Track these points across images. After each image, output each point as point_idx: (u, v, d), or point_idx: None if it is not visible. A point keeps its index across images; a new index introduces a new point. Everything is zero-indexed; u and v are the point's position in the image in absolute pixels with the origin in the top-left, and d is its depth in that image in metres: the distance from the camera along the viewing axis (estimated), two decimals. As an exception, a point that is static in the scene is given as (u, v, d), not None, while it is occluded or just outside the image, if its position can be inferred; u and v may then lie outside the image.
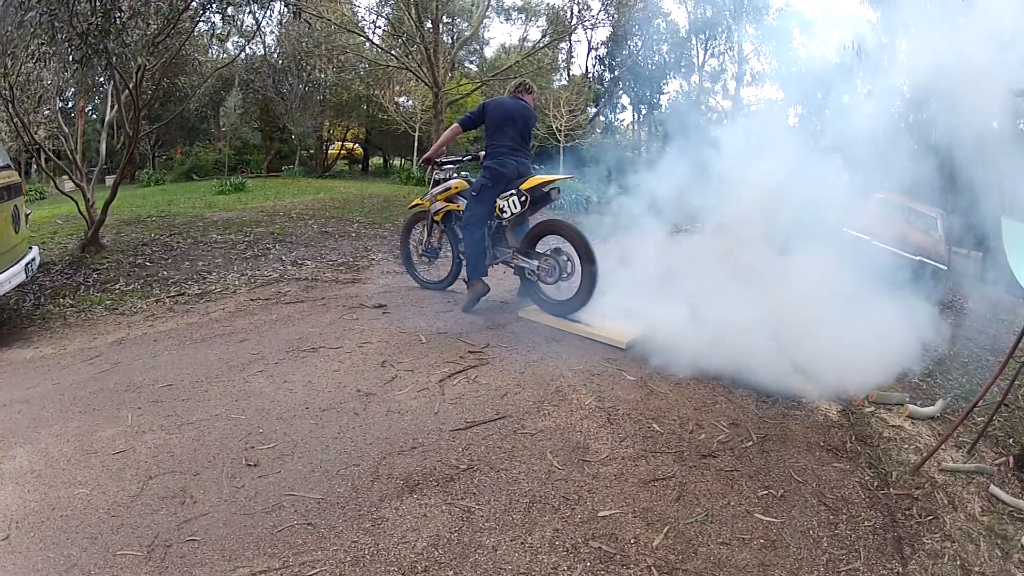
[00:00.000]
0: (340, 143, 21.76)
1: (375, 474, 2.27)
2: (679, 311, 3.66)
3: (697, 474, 2.40)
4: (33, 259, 4.52)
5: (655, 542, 2.00)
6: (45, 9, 4.76)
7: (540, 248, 4.07)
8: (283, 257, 6.02)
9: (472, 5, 16.82)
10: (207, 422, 2.64)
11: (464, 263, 4.32)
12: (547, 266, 3.93)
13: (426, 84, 14.45)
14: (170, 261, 5.78)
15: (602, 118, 19.39)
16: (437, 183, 4.55)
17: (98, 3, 4.88)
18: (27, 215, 4.83)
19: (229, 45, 14.46)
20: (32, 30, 4.97)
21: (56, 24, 4.81)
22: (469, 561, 1.86)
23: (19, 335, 4.26)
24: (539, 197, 3.99)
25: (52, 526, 2.00)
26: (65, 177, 7.03)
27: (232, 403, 2.81)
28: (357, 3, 16.26)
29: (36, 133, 6.91)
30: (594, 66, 19.59)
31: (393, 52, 15.52)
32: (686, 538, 2.04)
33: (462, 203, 4.32)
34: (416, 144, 16.73)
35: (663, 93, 19.26)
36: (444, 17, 16.12)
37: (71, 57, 5.15)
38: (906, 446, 2.88)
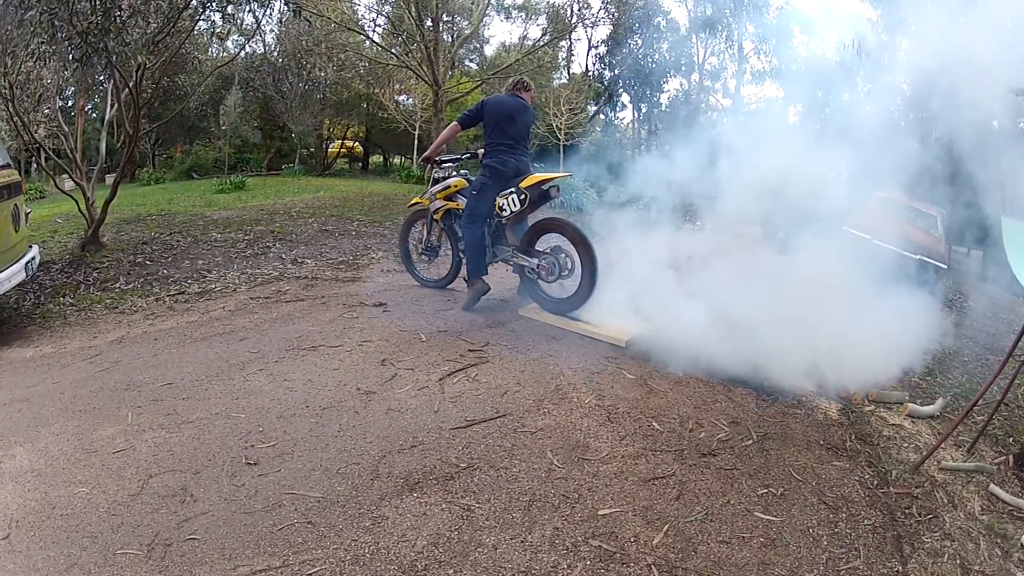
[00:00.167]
0: (340, 141, 21.73)
1: (375, 472, 2.27)
2: (679, 309, 3.67)
3: (697, 472, 2.40)
4: (33, 258, 4.51)
5: (655, 540, 2.01)
6: (45, 8, 4.75)
7: (540, 246, 4.06)
8: (283, 255, 6.01)
9: (472, 3, 16.78)
10: (207, 421, 2.64)
11: (464, 261, 4.32)
12: (547, 264, 3.92)
13: (426, 82, 14.42)
14: (170, 260, 5.78)
15: (602, 116, 19.37)
16: (436, 181, 4.54)
17: (98, 2, 4.87)
18: (27, 214, 4.83)
19: (229, 43, 14.44)
20: (32, 29, 4.96)
21: (56, 23, 4.80)
22: (469, 559, 1.87)
23: (19, 334, 4.26)
24: (538, 195, 3.99)
25: (52, 525, 2.00)
26: (65, 176, 7.01)
27: (232, 401, 2.81)
28: (357, 1, 16.25)
29: (36, 132, 6.89)
30: (594, 64, 19.57)
31: (393, 50, 15.49)
32: (686, 536, 2.04)
33: (461, 201, 4.32)
34: (416, 142, 16.70)
35: (663, 92, 19.24)
36: (444, 15, 16.08)
37: (71, 56, 5.13)
38: (906, 445, 2.88)
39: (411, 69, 14.71)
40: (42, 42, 5.00)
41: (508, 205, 3.98)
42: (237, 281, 5.16)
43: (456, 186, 4.39)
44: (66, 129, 7.22)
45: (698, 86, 18.75)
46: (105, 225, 6.28)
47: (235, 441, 2.47)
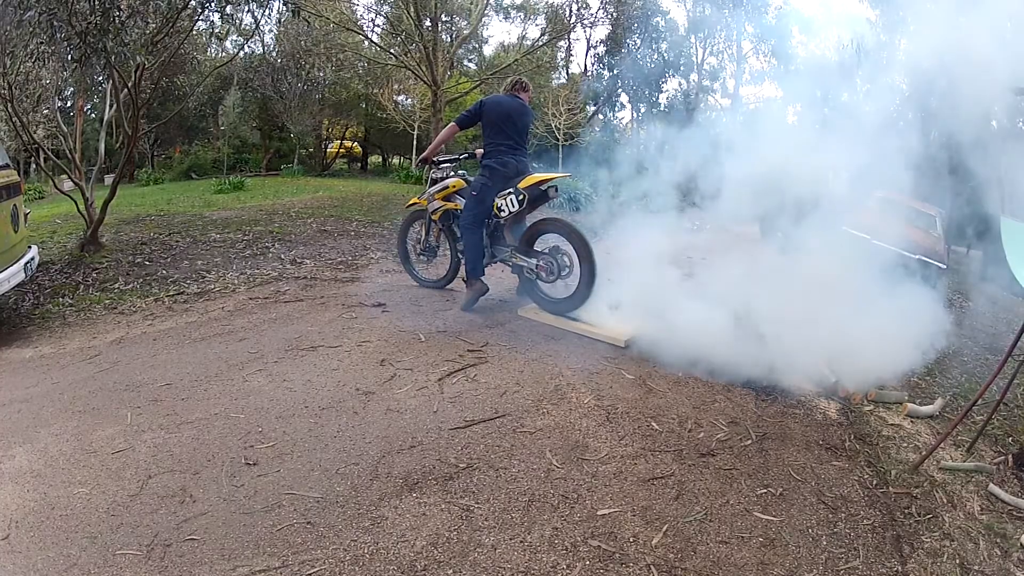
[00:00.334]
0: (339, 142, 21.74)
1: (374, 473, 2.27)
2: (677, 308, 3.67)
3: (696, 472, 2.40)
4: (32, 258, 4.51)
5: (654, 540, 2.01)
6: (44, 8, 4.75)
7: (538, 246, 4.06)
8: (282, 256, 6.01)
9: (471, 3, 16.78)
10: (206, 421, 2.64)
11: (463, 262, 4.32)
12: (545, 264, 3.92)
13: (425, 82, 14.44)
14: (169, 260, 5.77)
15: (601, 116, 19.37)
16: (435, 182, 4.54)
17: (97, 2, 4.87)
18: (26, 214, 4.82)
19: (228, 44, 14.46)
20: (31, 29, 4.95)
21: (55, 23, 4.80)
22: (468, 560, 1.86)
23: (18, 334, 4.25)
24: (537, 195, 3.98)
25: (52, 525, 2.00)
26: (64, 176, 7.01)
27: (231, 402, 2.81)
28: (356, 1, 16.26)
29: (35, 132, 6.91)
30: (593, 64, 19.58)
31: (392, 50, 15.51)
32: (685, 536, 2.04)
33: (460, 202, 4.32)
34: (415, 143, 16.72)
35: (662, 92, 19.25)
36: (443, 15, 16.08)
37: (70, 56, 5.13)
38: (905, 445, 2.88)
39: (410, 69, 14.73)
40: (41, 42, 5.00)
41: (507, 205, 3.98)
42: (236, 281, 5.16)
43: (454, 187, 4.38)
44: (65, 129, 7.23)
45: (697, 86, 18.76)
46: (104, 225, 6.28)
47: (234, 441, 2.47)
